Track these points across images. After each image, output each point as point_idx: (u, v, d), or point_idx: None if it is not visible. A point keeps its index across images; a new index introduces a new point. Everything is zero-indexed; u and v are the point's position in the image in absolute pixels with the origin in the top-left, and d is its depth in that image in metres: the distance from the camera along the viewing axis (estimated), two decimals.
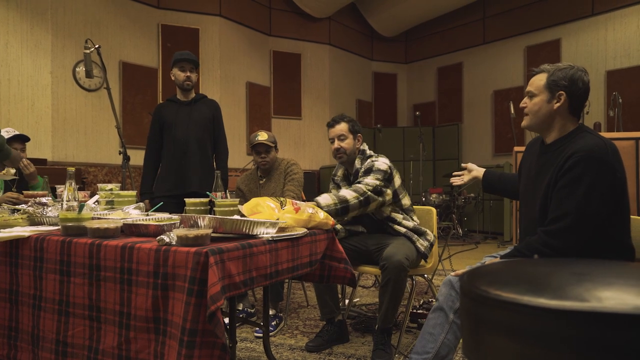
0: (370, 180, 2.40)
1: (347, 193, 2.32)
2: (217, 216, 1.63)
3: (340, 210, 2.27)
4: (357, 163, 2.58)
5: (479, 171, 2.25)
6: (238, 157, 7.05)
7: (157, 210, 2.17)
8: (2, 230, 1.77)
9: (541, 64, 1.80)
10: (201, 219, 1.53)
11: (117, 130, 3.11)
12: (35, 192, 2.47)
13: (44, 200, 2.09)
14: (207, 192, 2.07)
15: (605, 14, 6.97)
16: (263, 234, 1.63)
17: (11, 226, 1.87)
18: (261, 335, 2.60)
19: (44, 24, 5.33)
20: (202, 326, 1.30)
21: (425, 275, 2.60)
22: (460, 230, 7.16)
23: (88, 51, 2.97)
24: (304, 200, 2.26)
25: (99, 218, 1.80)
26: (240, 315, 2.90)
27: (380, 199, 2.41)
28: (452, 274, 1.84)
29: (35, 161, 3.16)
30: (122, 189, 2.35)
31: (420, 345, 1.79)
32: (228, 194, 2.40)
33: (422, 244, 2.48)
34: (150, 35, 6.50)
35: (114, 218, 1.80)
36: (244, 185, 3.18)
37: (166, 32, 6.59)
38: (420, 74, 9.56)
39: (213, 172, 3.11)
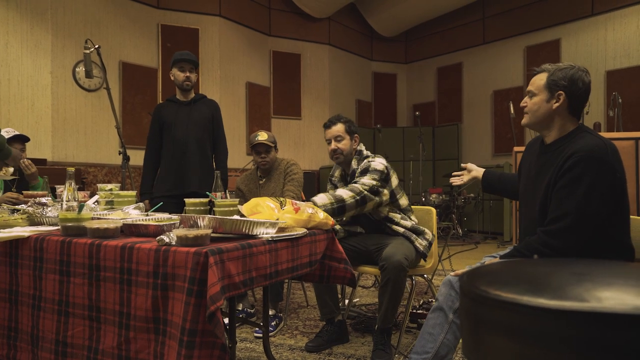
0: (367, 180, 2.40)
1: (343, 192, 2.32)
2: (217, 216, 1.63)
3: (337, 209, 2.27)
4: (354, 164, 2.58)
5: (478, 171, 2.25)
6: (238, 157, 7.05)
7: (156, 211, 2.17)
8: (2, 230, 1.77)
9: (541, 64, 1.80)
10: (201, 219, 1.53)
11: (117, 131, 3.11)
12: (35, 192, 2.47)
13: (43, 200, 2.09)
14: (207, 192, 2.07)
15: (605, 14, 6.98)
16: (263, 234, 1.63)
17: (11, 226, 1.87)
18: (261, 335, 2.60)
19: (43, 24, 5.33)
20: (201, 326, 1.30)
21: (425, 275, 2.60)
22: (460, 231, 7.16)
23: (88, 51, 2.97)
24: (303, 201, 2.26)
25: (98, 218, 1.80)
26: (240, 316, 2.90)
27: (377, 198, 2.41)
28: (452, 274, 1.84)
29: (35, 161, 3.16)
30: (121, 189, 2.35)
31: (420, 345, 1.79)
32: (228, 194, 2.40)
33: (420, 243, 2.48)
34: (150, 35, 6.50)
35: (113, 218, 1.80)
36: (244, 185, 3.18)
37: (166, 32, 6.59)
38: (420, 74, 9.56)
39: (212, 172, 3.11)
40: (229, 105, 7.07)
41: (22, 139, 3.18)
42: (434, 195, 7.03)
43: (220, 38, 7.02)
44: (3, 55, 5.04)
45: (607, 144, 1.61)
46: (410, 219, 2.59)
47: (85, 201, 1.90)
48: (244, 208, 1.85)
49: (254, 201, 1.87)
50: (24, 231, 1.73)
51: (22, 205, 2.21)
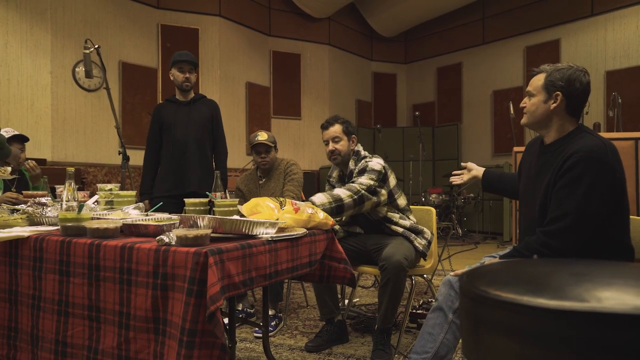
0: (364, 180, 2.40)
1: (341, 192, 2.32)
2: (217, 216, 1.63)
3: (335, 209, 2.27)
4: (352, 164, 2.58)
5: (478, 170, 2.25)
6: (237, 157, 7.05)
7: (156, 211, 2.17)
8: (1, 230, 1.77)
9: (541, 64, 1.81)
10: (201, 219, 1.53)
11: (117, 131, 3.11)
12: (35, 192, 2.47)
13: (43, 200, 2.09)
14: (207, 192, 2.07)
15: (605, 14, 6.98)
16: (262, 234, 1.63)
17: (11, 226, 1.87)
18: (261, 335, 2.60)
19: (43, 24, 5.33)
20: (201, 326, 1.30)
21: (425, 276, 2.60)
22: (460, 231, 7.16)
23: (87, 51, 2.97)
24: (303, 201, 2.26)
25: (98, 218, 1.80)
26: (240, 316, 2.90)
27: (374, 198, 2.41)
28: (452, 274, 1.84)
29: (34, 161, 3.16)
30: (121, 189, 2.35)
31: (420, 345, 1.80)
32: (227, 194, 2.40)
33: (420, 242, 2.48)
34: (150, 35, 6.50)
35: (113, 218, 1.80)
36: (244, 185, 3.18)
37: (166, 32, 6.59)
38: (419, 74, 9.57)
39: (212, 172, 3.11)
40: (228, 105, 7.07)
41: (21, 139, 3.17)
42: (433, 195, 7.03)
43: (220, 38, 7.02)
44: (3, 56, 5.04)
45: (606, 144, 1.61)
46: (409, 218, 2.59)
47: (84, 201, 1.90)
48: (243, 208, 1.85)
49: (253, 201, 1.87)
50: (23, 231, 1.73)
51: (22, 205, 2.21)
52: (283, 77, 8.02)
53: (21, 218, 1.94)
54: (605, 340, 0.70)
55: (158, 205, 2.26)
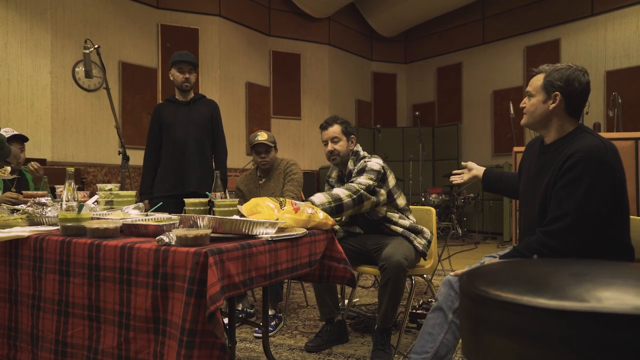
0: (363, 179, 2.40)
1: (340, 191, 2.32)
2: (217, 216, 1.63)
3: (335, 208, 2.27)
4: (351, 164, 2.58)
5: (479, 170, 2.25)
6: (237, 157, 7.05)
7: (156, 211, 2.17)
8: (1, 230, 1.77)
9: (541, 64, 1.81)
10: (200, 219, 1.53)
11: (117, 131, 3.11)
12: (35, 192, 2.47)
13: (43, 200, 2.09)
14: (207, 192, 2.07)
15: (605, 14, 6.98)
16: (262, 234, 1.63)
17: (11, 226, 1.87)
18: (260, 335, 2.60)
19: (43, 24, 5.33)
20: (201, 326, 1.30)
21: (425, 275, 2.60)
22: (460, 231, 7.16)
23: (87, 51, 2.97)
24: (303, 201, 2.26)
25: (98, 218, 1.80)
26: (240, 316, 2.89)
27: (373, 198, 2.41)
28: (452, 274, 1.84)
29: (34, 161, 3.16)
30: (121, 189, 2.35)
31: (420, 345, 1.80)
32: (227, 194, 2.40)
33: (419, 242, 2.48)
34: (150, 35, 6.50)
35: (113, 218, 1.80)
36: (244, 185, 3.18)
37: (166, 32, 6.59)
38: (419, 74, 9.57)
39: (212, 172, 3.11)
40: (228, 105, 7.07)
41: (21, 139, 3.17)
42: (433, 195, 7.03)
43: (220, 38, 7.01)
44: (3, 56, 5.03)
45: (606, 144, 1.61)
46: (409, 218, 2.59)
47: (84, 201, 1.90)
48: (243, 208, 1.85)
49: (253, 201, 1.87)
50: (23, 231, 1.73)
51: (22, 205, 2.21)
52: (283, 77, 8.02)
53: (21, 218, 1.94)
54: (605, 340, 0.70)
55: (158, 205, 2.27)
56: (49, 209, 1.97)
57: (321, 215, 1.91)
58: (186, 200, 2.00)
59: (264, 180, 3.12)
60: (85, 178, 5.51)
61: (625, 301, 0.72)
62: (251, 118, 7.52)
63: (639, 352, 0.68)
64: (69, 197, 1.70)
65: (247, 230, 1.58)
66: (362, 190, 2.35)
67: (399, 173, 8.07)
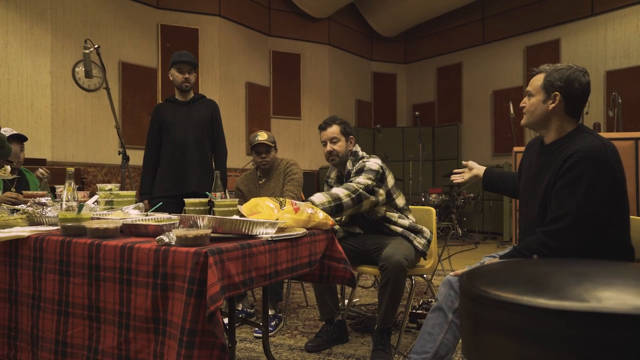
0: (362, 179, 2.40)
1: (339, 191, 2.32)
2: (217, 216, 1.63)
3: (335, 208, 2.27)
4: (349, 165, 2.58)
5: (479, 169, 2.25)
6: (237, 157, 7.05)
7: (156, 211, 2.17)
8: (1, 230, 1.77)
9: (540, 64, 1.81)
10: (200, 219, 1.53)
11: (117, 131, 3.11)
12: (35, 192, 2.47)
13: (43, 200, 2.09)
14: (207, 192, 2.07)
15: (605, 14, 6.98)
16: (262, 234, 1.63)
17: (11, 226, 1.87)
18: (260, 335, 2.60)
19: (43, 24, 5.33)
20: (201, 326, 1.30)
21: (425, 275, 2.60)
22: (460, 231, 7.16)
23: (87, 51, 2.97)
24: (303, 201, 2.26)
25: (98, 218, 1.80)
26: (240, 316, 2.90)
27: (372, 198, 2.41)
28: (452, 274, 1.84)
29: (34, 161, 3.17)
30: (121, 189, 2.35)
31: (420, 345, 1.80)
32: (227, 194, 2.40)
33: (419, 242, 2.48)
34: (150, 35, 6.50)
35: (113, 218, 1.80)
36: (244, 185, 3.18)
37: (165, 32, 6.59)
38: (419, 74, 9.57)
39: (212, 172, 3.11)
40: (228, 105, 7.07)
41: (20, 139, 3.17)
42: (433, 195, 7.03)
43: (220, 38, 7.01)
44: (3, 56, 5.03)
45: (606, 144, 1.61)
46: (408, 218, 2.59)
47: (84, 201, 1.90)
48: (243, 208, 1.85)
49: (253, 201, 1.87)
50: (23, 231, 1.73)
51: (22, 205, 2.21)
52: (283, 77, 8.02)
53: (21, 218, 1.94)
54: (605, 340, 0.70)
55: (158, 205, 2.26)
56: (49, 209, 1.97)
57: (321, 215, 1.91)
58: (186, 200, 2.00)
59: (264, 180, 3.12)
60: (85, 178, 5.51)
61: (625, 301, 0.72)
62: (251, 118, 7.52)
63: (639, 352, 0.68)
64: (69, 197, 1.70)
65: (247, 230, 1.58)
66: (361, 190, 2.35)
67: (398, 173, 8.07)
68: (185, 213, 1.94)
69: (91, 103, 5.78)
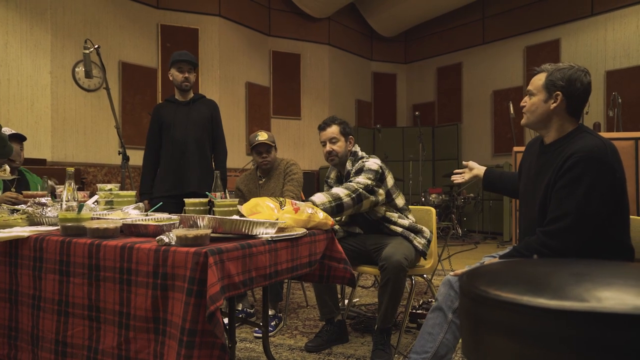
0: (362, 179, 2.40)
1: (339, 191, 2.32)
2: (217, 216, 1.63)
3: (335, 207, 2.27)
4: (349, 165, 2.58)
5: (479, 169, 2.25)
6: (237, 157, 7.05)
7: (156, 211, 2.17)
8: (1, 230, 1.77)
9: (540, 64, 1.80)
10: (200, 219, 1.53)
11: (117, 131, 3.11)
12: (35, 192, 2.47)
13: (43, 200, 2.09)
14: (207, 192, 2.07)
15: (605, 14, 6.98)
16: (262, 234, 1.63)
17: (11, 226, 1.87)
18: (260, 335, 2.60)
19: (43, 24, 5.33)
20: (201, 326, 1.30)
21: (425, 275, 2.60)
22: (460, 231, 7.16)
23: (87, 51, 2.97)
24: (303, 200, 2.26)
25: (98, 218, 1.80)
26: (240, 316, 2.90)
27: (372, 197, 2.41)
28: (451, 273, 1.84)
29: (34, 161, 3.17)
30: (121, 189, 2.35)
31: (419, 345, 1.80)
32: (227, 194, 2.40)
33: (419, 242, 2.48)
34: (150, 35, 6.50)
35: (113, 218, 1.80)
36: (244, 185, 3.18)
37: (165, 32, 6.59)
38: (419, 74, 9.57)
39: (212, 172, 3.11)
40: (228, 105, 7.07)
41: (19, 138, 3.17)
42: (433, 195, 7.03)
43: (220, 38, 7.01)
44: (3, 56, 5.03)
45: (606, 144, 1.61)
46: (408, 217, 2.59)
47: (84, 201, 1.90)
48: (243, 208, 1.85)
49: (253, 201, 1.87)
50: (23, 231, 1.73)
51: (22, 205, 2.21)
52: (283, 77, 8.02)
53: (21, 218, 1.94)
54: (605, 340, 0.70)
55: (158, 205, 2.26)
56: (49, 209, 1.97)
57: (321, 215, 1.91)
58: (186, 200, 2.00)
59: (264, 180, 3.12)
60: (85, 178, 5.51)
61: (625, 301, 0.72)
62: (251, 118, 7.52)
63: (639, 352, 0.68)
64: (69, 197, 1.70)
65: (247, 230, 1.58)
66: (360, 190, 2.35)
67: (398, 173, 8.07)
68: (185, 213, 1.94)
69: (91, 103, 5.78)
